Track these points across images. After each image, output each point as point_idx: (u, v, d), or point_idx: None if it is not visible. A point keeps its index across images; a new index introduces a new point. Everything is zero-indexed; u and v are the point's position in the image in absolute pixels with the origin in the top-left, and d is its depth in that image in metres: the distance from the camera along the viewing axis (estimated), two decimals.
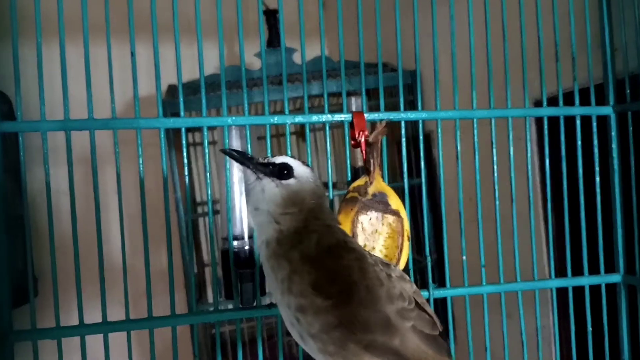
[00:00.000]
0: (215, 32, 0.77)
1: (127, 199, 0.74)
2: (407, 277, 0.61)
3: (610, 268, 0.86)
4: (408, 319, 0.55)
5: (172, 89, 1.45)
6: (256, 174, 0.60)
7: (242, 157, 0.61)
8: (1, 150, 0.69)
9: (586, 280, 0.84)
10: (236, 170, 0.82)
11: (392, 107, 0.83)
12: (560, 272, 0.89)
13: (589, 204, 0.84)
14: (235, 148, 0.82)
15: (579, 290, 0.84)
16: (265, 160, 0.60)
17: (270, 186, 0.59)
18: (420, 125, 0.82)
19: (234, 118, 0.77)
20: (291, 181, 0.59)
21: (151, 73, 0.75)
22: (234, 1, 0.78)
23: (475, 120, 0.82)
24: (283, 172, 0.59)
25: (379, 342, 0.53)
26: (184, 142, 0.77)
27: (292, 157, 0.63)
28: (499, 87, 0.83)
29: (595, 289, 0.84)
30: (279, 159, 0.60)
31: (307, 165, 0.62)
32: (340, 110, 0.79)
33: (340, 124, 0.81)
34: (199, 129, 1.40)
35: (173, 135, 1.19)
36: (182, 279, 1.30)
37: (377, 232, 0.73)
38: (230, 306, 0.82)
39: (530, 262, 0.84)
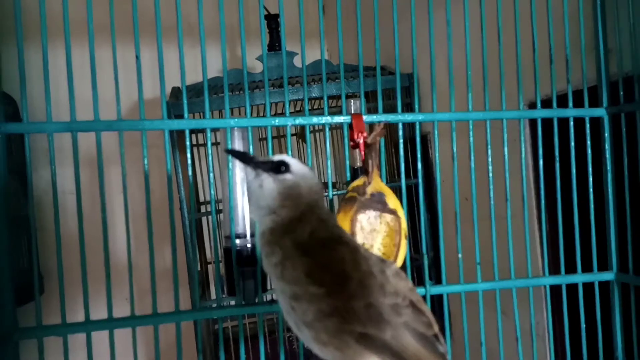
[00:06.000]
0: (218, 36, 0.78)
1: (132, 198, 0.75)
2: (404, 275, 0.61)
3: (604, 266, 0.87)
4: (401, 315, 0.55)
5: (175, 92, 1.46)
6: (255, 171, 0.62)
7: (242, 156, 0.63)
8: (5, 151, 0.70)
9: (579, 278, 0.86)
10: (238, 171, 0.84)
11: (390, 109, 0.85)
12: (554, 270, 0.91)
13: (582, 204, 0.85)
14: (237, 149, 0.84)
15: (572, 288, 0.86)
16: (265, 159, 0.62)
17: (267, 181, 0.61)
18: (417, 127, 0.84)
19: (236, 120, 0.78)
20: (287, 176, 0.61)
21: (155, 76, 0.77)
22: (236, 6, 0.80)
23: (470, 122, 0.84)
24: (280, 167, 0.61)
25: (370, 334, 0.53)
26: (187, 143, 0.79)
27: (292, 157, 0.64)
28: (494, 89, 0.84)
29: (588, 287, 0.86)
30: (277, 157, 0.62)
31: (306, 164, 0.63)
32: (340, 112, 0.80)
33: (340, 125, 0.83)
34: (202, 131, 1.41)
35: (177, 137, 1.21)
36: (185, 276, 1.31)
37: (375, 231, 0.74)
38: (232, 303, 0.83)
39: (525, 260, 0.85)
